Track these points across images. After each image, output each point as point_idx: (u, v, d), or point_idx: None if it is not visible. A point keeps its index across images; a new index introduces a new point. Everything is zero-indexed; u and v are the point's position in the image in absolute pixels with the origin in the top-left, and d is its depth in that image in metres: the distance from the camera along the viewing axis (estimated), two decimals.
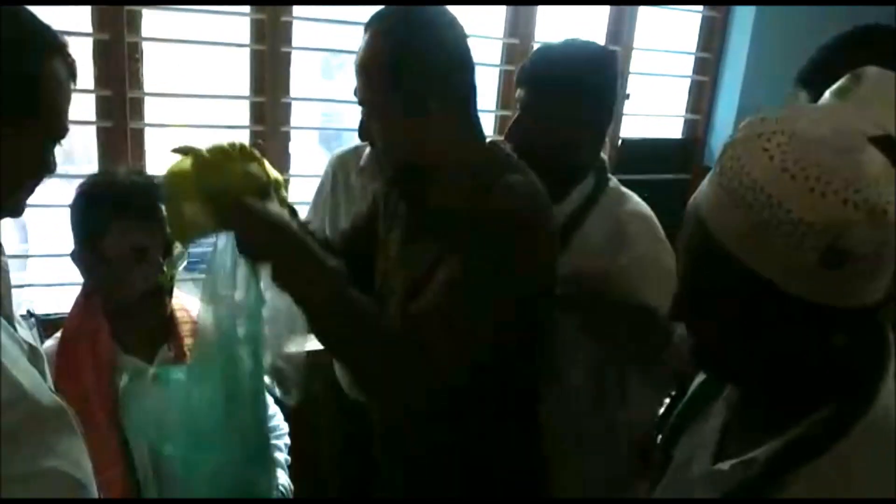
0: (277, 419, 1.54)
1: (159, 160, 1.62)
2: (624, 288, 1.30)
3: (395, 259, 1.21)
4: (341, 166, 1.74)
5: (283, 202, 1.13)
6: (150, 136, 1.88)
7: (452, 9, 1.12)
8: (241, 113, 2.01)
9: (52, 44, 0.84)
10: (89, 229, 1.25)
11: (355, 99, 1.13)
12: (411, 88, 1.06)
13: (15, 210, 0.89)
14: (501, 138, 1.81)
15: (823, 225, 0.60)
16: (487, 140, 1.19)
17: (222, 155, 1.06)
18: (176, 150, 1.09)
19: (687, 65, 2.63)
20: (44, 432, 0.84)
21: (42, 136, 0.86)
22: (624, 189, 1.45)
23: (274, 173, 1.14)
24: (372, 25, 1.10)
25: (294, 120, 2.03)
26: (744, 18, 2.51)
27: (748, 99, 2.50)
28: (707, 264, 0.69)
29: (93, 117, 1.80)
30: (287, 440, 1.53)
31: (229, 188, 1.03)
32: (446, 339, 1.00)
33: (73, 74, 0.88)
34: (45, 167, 0.89)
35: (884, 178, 0.61)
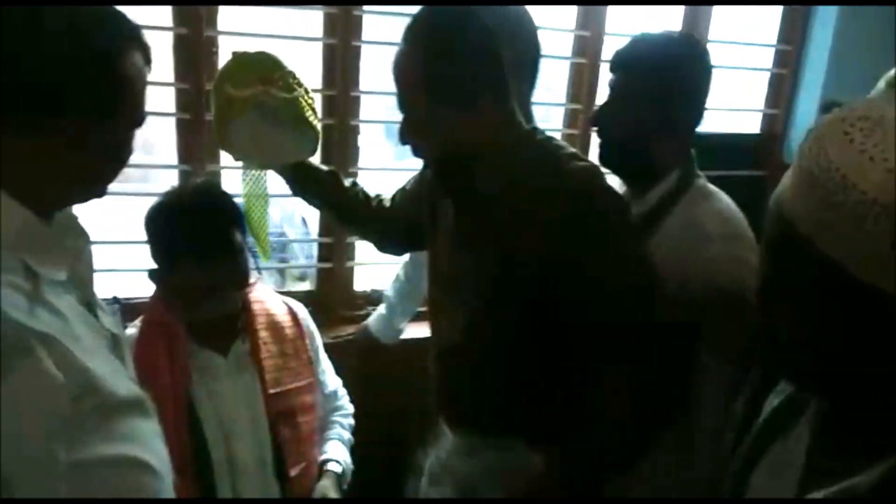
0: (343, 399, 1.57)
1: None
2: (698, 294, 1.23)
3: (456, 256, 1.23)
4: None
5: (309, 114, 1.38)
6: None
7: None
8: None
9: (129, 32, 0.86)
10: (158, 263, 1.27)
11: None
12: (446, 92, 1.08)
13: (102, 195, 0.92)
14: (571, 131, 1.77)
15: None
16: (545, 133, 1.18)
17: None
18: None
19: (766, 58, 2.52)
20: (118, 420, 0.86)
21: (123, 124, 0.88)
22: (712, 187, 1.37)
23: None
24: (407, 29, 1.11)
25: (363, 113, 2.05)
26: (827, 10, 2.39)
27: (830, 93, 2.39)
28: (784, 251, 0.67)
29: (172, 109, 1.87)
30: (352, 420, 1.56)
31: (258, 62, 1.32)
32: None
33: (148, 61, 0.90)
34: (127, 153, 0.91)
35: None
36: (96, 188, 0.91)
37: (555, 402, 1.16)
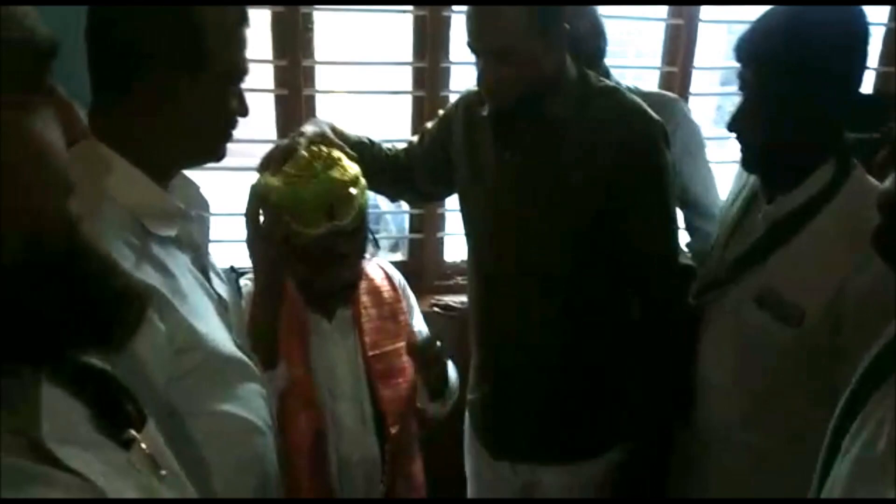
0: None
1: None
2: (868, 313, 1.03)
3: (513, 178, 1.35)
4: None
5: (363, 193, 1.27)
6: (321, 102, 1.99)
7: None
8: (404, 78, 2.07)
9: None
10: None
11: None
12: (552, 21, 1.21)
13: (215, 156, 0.94)
14: None
15: None
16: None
17: (307, 169, 1.21)
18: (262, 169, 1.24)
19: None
20: (222, 378, 0.90)
21: (215, 78, 0.88)
22: (872, 180, 1.15)
23: (353, 168, 1.26)
24: None
25: (453, 85, 2.05)
26: None
27: None
28: None
29: (271, 85, 1.94)
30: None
31: (318, 197, 1.20)
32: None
33: (243, 17, 0.89)
34: (233, 111, 0.92)
35: None
36: (207, 147, 0.93)
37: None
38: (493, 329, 1.49)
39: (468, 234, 1.53)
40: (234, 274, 1.08)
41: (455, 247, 2.26)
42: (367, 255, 1.39)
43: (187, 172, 0.98)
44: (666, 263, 1.36)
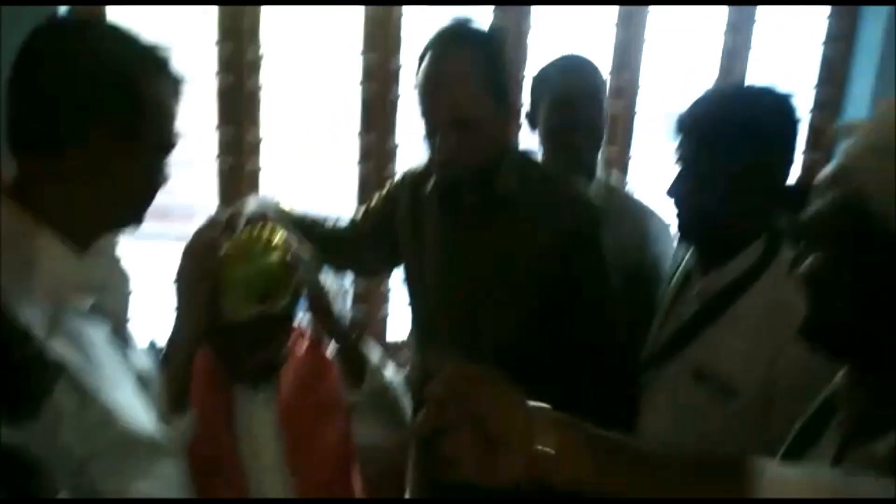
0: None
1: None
2: (800, 386, 1.01)
3: (458, 253, 1.37)
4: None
5: (301, 277, 1.24)
6: (266, 173, 1.96)
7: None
8: (351, 151, 2.07)
9: (153, 59, 0.88)
10: None
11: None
12: (504, 93, 1.28)
13: (134, 223, 0.94)
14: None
15: None
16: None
17: (243, 251, 1.18)
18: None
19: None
20: (137, 456, 0.86)
21: (151, 151, 0.90)
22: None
23: (294, 250, 1.23)
24: (449, 43, 1.26)
25: (400, 161, 2.06)
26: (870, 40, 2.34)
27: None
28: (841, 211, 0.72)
29: (214, 157, 1.91)
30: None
31: (250, 283, 1.16)
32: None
33: (177, 90, 0.91)
34: (158, 179, 0.93)
35: None
36: (132, 215, 0.92)
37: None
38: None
39: (413, 309, 1.53)
40: (155, 350, 1.04)
41: (399, 325, 2.23)
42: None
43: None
44: (607, 334, 1.37)
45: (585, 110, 1.62)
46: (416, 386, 1.52)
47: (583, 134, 1.61)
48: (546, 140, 1.67)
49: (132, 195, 0.91)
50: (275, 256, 1.20)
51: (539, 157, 1.65)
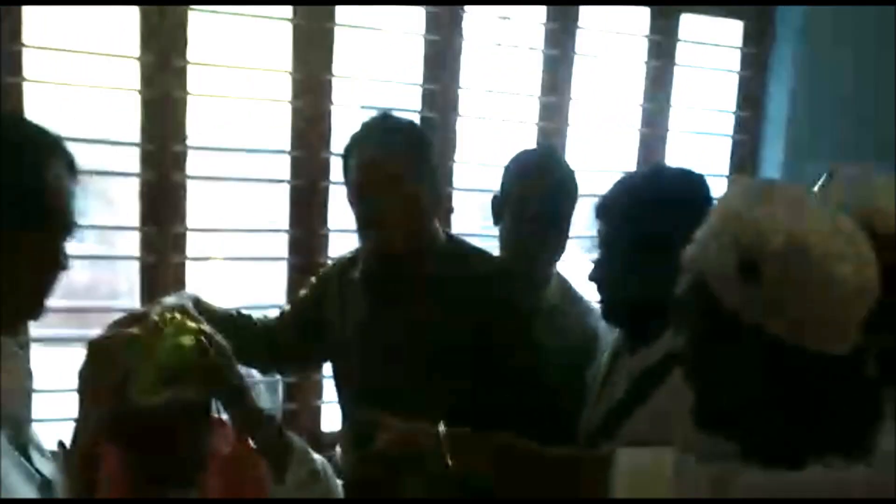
0: None
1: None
2: None
3: (386, 335, 1.39)
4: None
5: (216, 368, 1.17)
6: (191, 268, 1.91)
7: None
8: (279, 245, 2.05)
9: (50, 145, 0.87)
10: None
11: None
12: (431, 181, 1.35)
13: (33, 313, 0.90)
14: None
15: (743, 235, 0.72)
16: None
17: (154, 332, 1.14)
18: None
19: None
20: None
21: (53, 239, 0.87)
22: None
23: (209, 341, 1.18)
24: (379, 129, 1.35)
25: (332, 252, 2.05)
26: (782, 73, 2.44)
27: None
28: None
29: (137, 252, 1.86)
30: None
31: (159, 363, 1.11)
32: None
33: (72, 170, 0.90)
34: (58, 265, 0.90)
35: (824, 226, 0.71)
36: (33, 305, 0.89)
37: None
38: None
39: (344, 398, 1.52)
40: (63, 450, 0.96)
41: (333, 416, 2.16)
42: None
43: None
44: (545, 396, 1.37)
45: (550, 211, 1.57)
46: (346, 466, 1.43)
47: (545, 233, 1.58)
48: (507, 233, 1.62)
49: (34, 283, 0.88)
50: (186, 339, 1.15)
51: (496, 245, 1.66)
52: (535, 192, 1.56)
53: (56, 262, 0.90)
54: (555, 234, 1.61)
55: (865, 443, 0.73)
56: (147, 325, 1.15)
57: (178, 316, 1.18)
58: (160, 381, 1.10)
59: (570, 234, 1.66)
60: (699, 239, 0.80)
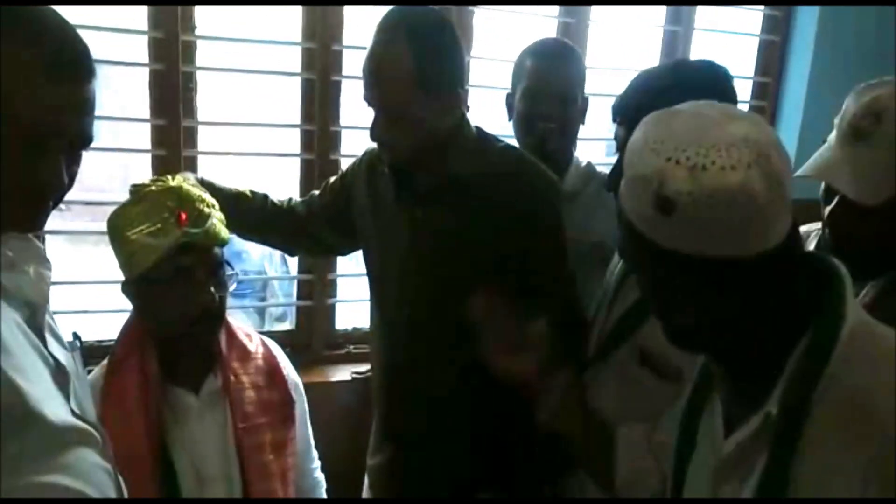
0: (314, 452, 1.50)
1: None
2: None
3: (415, 230, 1.38)
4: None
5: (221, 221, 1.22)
6: (203, 163, 1.90)
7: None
8: (292, 141, 2.02)
9: (61, 57, 0.80)
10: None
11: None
12: (437, 82, 1.25)
13: (29, 226, 0.86)
14: None
15: (651, 176, 0.75)
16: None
17: (157, 181, 1.19)
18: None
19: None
20: (50, 446, 0.82)
21: (18, 145, 0.79)
22: None
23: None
24: (387, 30, 1.25)
25: (344, 148, 2.03)
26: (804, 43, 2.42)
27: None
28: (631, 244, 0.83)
29: (148, 146, 1.83)
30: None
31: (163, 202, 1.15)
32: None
33: (52, 75, 0.79)
34: (47, 180, 0.83)
35: (723, 147, 0.73)
36: (21, 217, 0.84)
37: None
38: (401, 384, 1.47)
39: (373, 290, 1.52)
40: (79, 342, 0.97)
41: (346, 314, 2.20)
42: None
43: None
44: (566, 312, 1.37)
45: (555, 99, 1.61)
46: (377, 392, 1.52)
47: (553, 123, 1.60)
48: (518, 127, 1.66)
49: (34, 193, 0.83)
50: (182, 182, 1.20)
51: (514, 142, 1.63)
52: (532, 83, 1.61)
53: (46, 176, 0.83)
54: (559, 125, 1.62)
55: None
56: (139, 187, 1.19)
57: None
58: (169, 218, 1.14)
59: (578, 124, 1.70)
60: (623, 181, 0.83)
